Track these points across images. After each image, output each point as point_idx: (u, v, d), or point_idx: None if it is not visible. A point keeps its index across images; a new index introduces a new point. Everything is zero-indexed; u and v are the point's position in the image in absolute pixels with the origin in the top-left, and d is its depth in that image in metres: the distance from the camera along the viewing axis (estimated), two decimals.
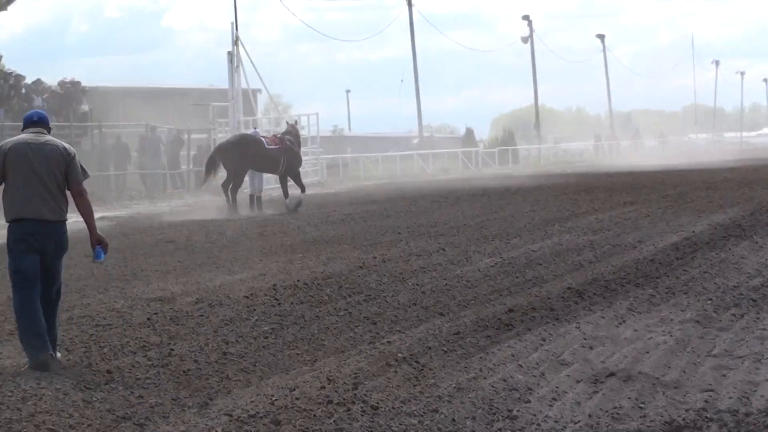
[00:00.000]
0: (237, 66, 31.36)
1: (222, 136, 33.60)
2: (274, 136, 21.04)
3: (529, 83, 66.21)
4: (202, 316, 8.17)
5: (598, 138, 68.05)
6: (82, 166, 6.53)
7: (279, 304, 8.66)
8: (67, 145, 6.55)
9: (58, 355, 6.55)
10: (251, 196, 20.80)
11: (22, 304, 6.34)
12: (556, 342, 7.02)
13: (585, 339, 7.10)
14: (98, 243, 6.55)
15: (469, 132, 55.46)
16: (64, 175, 6.42)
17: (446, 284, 9.57)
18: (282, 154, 20.31)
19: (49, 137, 6.52)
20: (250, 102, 34.56)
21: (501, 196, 22.85)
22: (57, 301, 6.57)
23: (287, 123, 22.25)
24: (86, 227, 6.55)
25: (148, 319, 8.07)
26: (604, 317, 7.85)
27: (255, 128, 24.45)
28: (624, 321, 7.70)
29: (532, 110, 73.04)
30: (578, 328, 7.47)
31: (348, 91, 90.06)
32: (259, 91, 39.50)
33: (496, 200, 21.48)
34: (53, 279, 6.47)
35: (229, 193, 19.94)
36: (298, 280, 9.95)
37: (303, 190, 20.75)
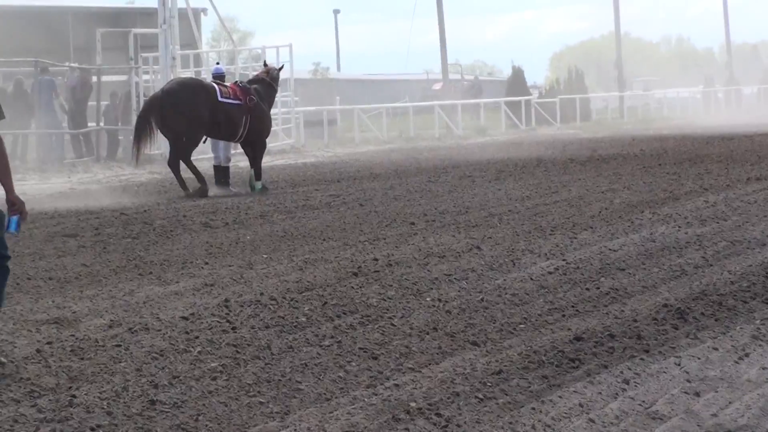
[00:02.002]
0: None
1: (149, 78, 33.65)
2: (235, 84, 20.80)
3: (607, 2, 66.02)
4: (118, 346, 8.18)
5: (710, 82, 68.01)
6: None
7: (233, 329, 8.67)
8: None
9: None
10: (216, 167, 20.86)
11: None
12: (645, 386, 7.02)
13: (688, 381, 7.10)
14: (11, 206, 7.19)
15: (518, 73, 55.45)
16: None
17: (482, 300, 9.58)
18: (244, 113, 20.17)
19: None
20: (191, 28, 34.55)
21: (564, 169, 22.87)
22: None
23: (265, 64, 22.07)
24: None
25: (38, 351, 8.07)
26: (716, 348, 7.85)
27: (218, 63, 24.25)
28: (747, 354, 7.70)
29: (610, 42, 72.87)
30: (678, 364, 7.47)
31: (336, 12, 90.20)
32: (204, 11, 39.52)
33: (557, 175, 21.48)
34: None
35: (188, 168, 19.86)
36: (261, 294, 9.96)
37: (259, 176, 20.55)
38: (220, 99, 19.92)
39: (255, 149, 20.62)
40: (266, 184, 20.53)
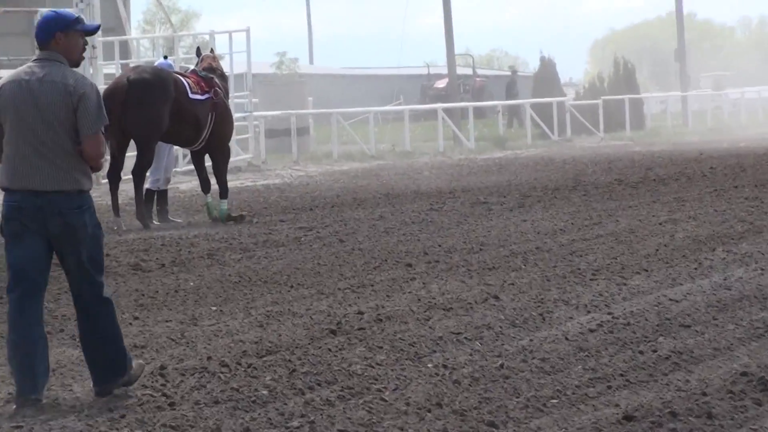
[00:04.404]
0: None
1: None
2: (195, 74, 20.67)
3: None
4: (18, 428, 8.15)
5: None
6: (100, 108, 8.61)
7: (171, 405, 8.66)
8: (74, 80, 8.58)
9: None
10: (150, 192, 20.69)
11: (11, 316, 8.60)
12: None
13: None
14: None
15: (548, 67, 55.64)
16: (72, 125, 8.55)
17: (501, 366, 9.56)
18: (209, 111, 20.11)
19: (53, 69, 8.60)
20: (117, 8, 34.60)
21: (610, 193, 22.88)
22: (98, 320, 8.73)
23: (199, 51, 22.00)
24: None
25: None
26: None
27: (165, 57, 24.08)
28: None
29: (669, 25, 73.12)
30: None
31: None
32: None
33: (601, 201, 21.49)
34: (76, 280, 8.69)
35: (144, 186, 19.78)
36: (208, 359, 9.94)
37: (225, 193, 20.40)
38: (190, 96, 19.87)
39: (218, 158, 20.55)
40: (234, 219, 20.25)
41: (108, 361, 8.77)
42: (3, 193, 8.72)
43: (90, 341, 8.80)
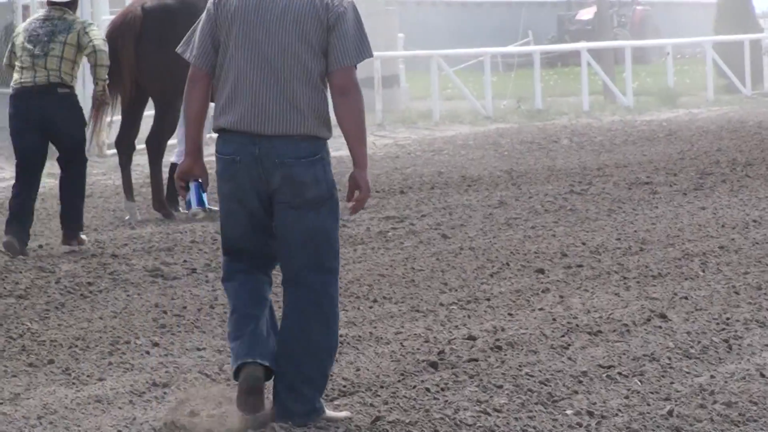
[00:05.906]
0: None
1: None
2: None
3: None
4: None
5: None
6: (363, 35, 9.17)
7: None
8: None
9: None
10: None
11: (234, 320, 9.19)
12: None
13: None
14: (356, 188, 9.18)
15: None
16: (322, 48, 9.03)
17: (670, 413, 9.54)
18: None
19: None
20: None
21: None
22: (309, 322, 9.14)
23: None
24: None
25: None
26: None
27: None
28: None
29: None
30: None
31: None
32: None
33: None
34: (294, 259, 9.12)
35: (170, 160, 19.81)
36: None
37: None
38: None
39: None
40: None
41: (302, 371, 9.21)
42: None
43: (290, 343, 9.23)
